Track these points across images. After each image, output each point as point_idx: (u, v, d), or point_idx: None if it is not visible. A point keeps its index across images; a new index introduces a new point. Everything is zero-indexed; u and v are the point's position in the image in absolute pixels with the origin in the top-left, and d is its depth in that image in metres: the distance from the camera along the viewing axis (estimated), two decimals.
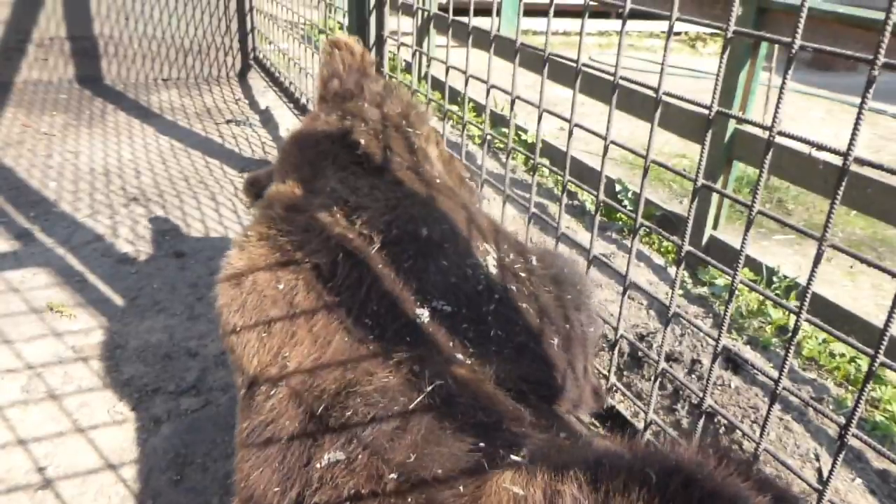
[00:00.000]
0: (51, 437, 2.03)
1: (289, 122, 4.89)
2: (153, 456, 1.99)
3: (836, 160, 2.90)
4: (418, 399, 1.21)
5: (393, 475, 1.11)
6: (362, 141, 1.86)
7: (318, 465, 1.18)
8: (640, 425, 2.04)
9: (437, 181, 1.82)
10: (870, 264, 1.20)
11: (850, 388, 2.51)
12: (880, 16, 2.51)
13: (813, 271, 1.24)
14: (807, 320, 1.33)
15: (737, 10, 1.32)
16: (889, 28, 1.03)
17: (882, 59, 1.03)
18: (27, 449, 1.98)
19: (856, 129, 1.11)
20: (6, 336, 2.43)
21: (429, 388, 1.22)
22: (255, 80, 5.90)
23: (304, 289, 1.50)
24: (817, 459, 2.03)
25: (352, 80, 2.15)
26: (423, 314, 1.42)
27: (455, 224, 1.60)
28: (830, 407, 2.35)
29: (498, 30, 2.20)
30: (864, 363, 2.56)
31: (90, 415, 2.13)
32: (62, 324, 2.54)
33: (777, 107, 1.26)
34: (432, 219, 1.59)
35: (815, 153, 2.79)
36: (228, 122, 4.99)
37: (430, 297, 1.44)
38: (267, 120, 5.03)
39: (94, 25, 5.58)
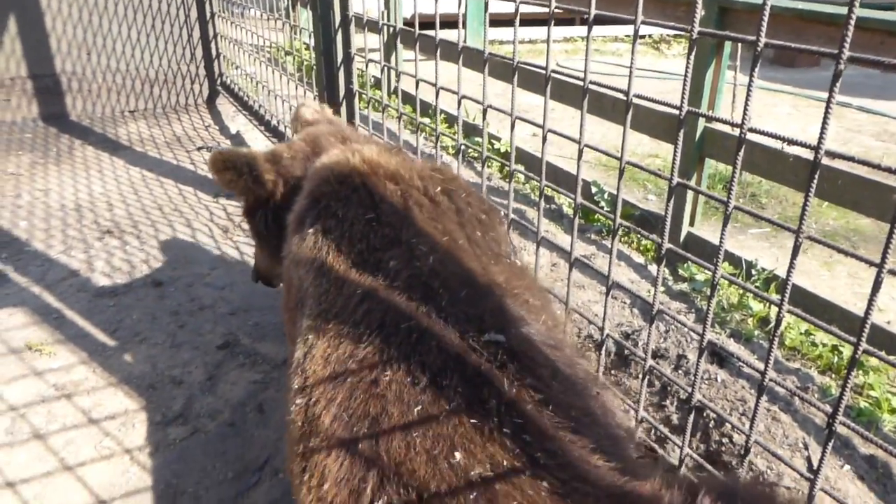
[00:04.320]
0: (38, 477, 1.99)
1: (261, 145, 4.87)
2: (143, 488, 1.96)
3: (808, 154, 2.96)
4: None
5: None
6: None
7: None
8: (632, 423, 2.05)
9: None
10: (846, 254, 1.23)
11: (833, 375, 2.54)
12: (840, 10, 2.57)
13: (792, 263, 1.26)
14: (789, 311, 1.35)
15: (700, 11, 1.34)
16: (852, 22, 1.05)
17: (847, 53, 1.06)
18: (16, 491, 1.94)
19: (825, 122, 1.13)
20: None
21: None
22: (224, 105, 5.88)
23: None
24: (806, 448, 2.05)
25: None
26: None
27: None
28: (816, 395, 2.38)
29: (464, 41, 2.22)
30: (846, 351, 2.60)
31: (77, 452, 2.09)
32: (42, 362, 2.50)
33: (746, 104, 1.28)
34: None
35: (787, 148, 2.84)
36: (199, 148, 4.96)
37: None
38: (239, 144, 5.01)
39: (55, 62, 5.53)
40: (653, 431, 2.13)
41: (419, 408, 1.12)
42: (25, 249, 3.40)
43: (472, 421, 1.08)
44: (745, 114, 1.29)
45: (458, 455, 1.04)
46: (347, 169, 1.67)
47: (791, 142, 1.28)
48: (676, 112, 1.46)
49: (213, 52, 5.91)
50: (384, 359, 1.22)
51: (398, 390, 1.16)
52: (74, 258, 3.31)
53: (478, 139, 4.84)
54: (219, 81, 6.01)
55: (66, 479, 1.99)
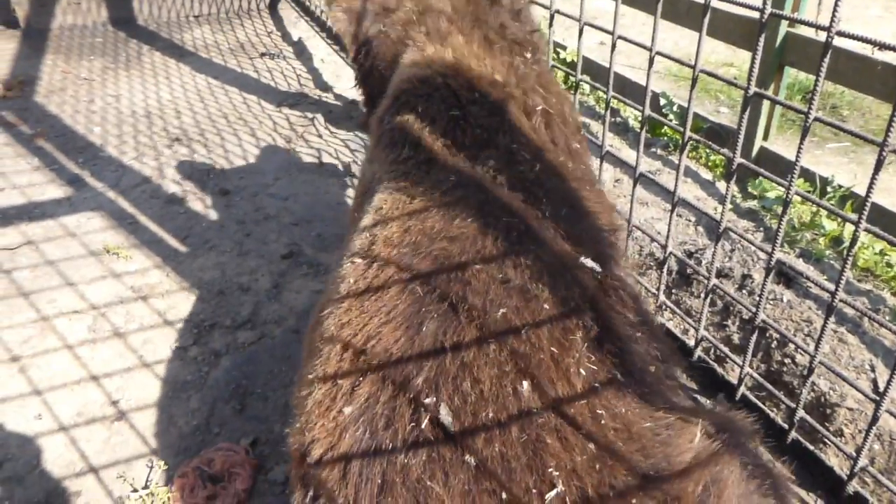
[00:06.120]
0: (120, 372, 2.13)
1: (323, 53, 4.83)
2: (216, 387, 2.08)
3: None
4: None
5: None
6: None
7: None
8: (691, 342, 2.04)
9: None
10: None
11: None
12: None
13: (873, 178, 1.20)
14: (866, 230, 1.29)
15: None
16: None
17: None
18: (100, 384, 2.09)
19: None
20: (69, 279, 2.53)
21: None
22: (286, 10, 5.81)
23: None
24: (872, 370, 2.00)
25: None
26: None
27: None
28: (887, 318, 2.30)
29: None
30: None
31: (154, 351, 2.22)
32: (119, 265, 2.63)
33: (836, 4, 1.18)
34: None
35: (876, 54, 2.64)
36: (262, 55, 4.95)
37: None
38: (301, 51, 4.98)
39: None
40: (713, 350, 2.11)
41: (505, 309, 1.06)
42: (100, 155, 3.52)
43: (555, 344, 1.04)
44: (833, 14, 1.19)
45: (524, 385, 1.01)
46: (431, 69, 1.56)
47: (883, 45, 1.18)
48: (757, 15, 1.36)
49: None
50: (478, 244, 1.15)
51: (488, 278, 1.10)
52: (146, 164, 3.41)
53: None
54: None
55: (145, 374, 2.13)
